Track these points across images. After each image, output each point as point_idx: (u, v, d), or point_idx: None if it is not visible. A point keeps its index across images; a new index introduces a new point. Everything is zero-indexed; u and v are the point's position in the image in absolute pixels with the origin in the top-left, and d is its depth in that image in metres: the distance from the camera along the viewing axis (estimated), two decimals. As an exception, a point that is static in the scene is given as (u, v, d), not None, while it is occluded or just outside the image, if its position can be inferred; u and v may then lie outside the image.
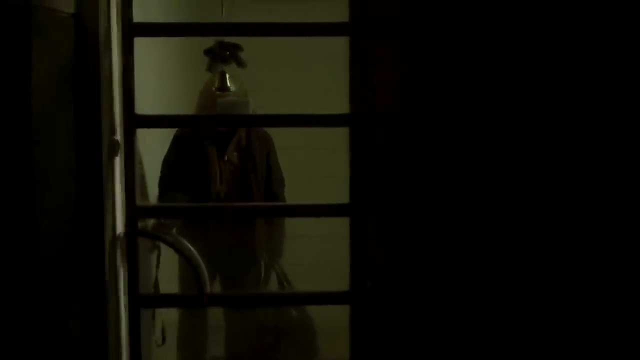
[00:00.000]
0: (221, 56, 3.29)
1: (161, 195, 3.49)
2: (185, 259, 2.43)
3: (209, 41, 2.99)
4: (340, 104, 2.37)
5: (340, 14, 2.24)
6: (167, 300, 2.72)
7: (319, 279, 3.37)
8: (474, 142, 2.01)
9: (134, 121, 2.29)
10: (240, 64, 3.39)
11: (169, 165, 3.55)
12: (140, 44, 2.31)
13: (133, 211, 2.29)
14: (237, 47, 3.30)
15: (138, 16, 2.26)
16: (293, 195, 3.65)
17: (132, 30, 2.25)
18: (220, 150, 3.50)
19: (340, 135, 2.33)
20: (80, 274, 2.15)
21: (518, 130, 2.00)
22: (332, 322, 2.78)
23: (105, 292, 2.16)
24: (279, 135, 3.51)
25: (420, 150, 2.03)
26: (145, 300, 2.44)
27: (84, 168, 2.10)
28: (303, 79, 4.68)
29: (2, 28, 1.82)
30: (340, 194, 2.29)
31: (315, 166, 4.67)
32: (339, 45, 2.41)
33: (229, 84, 3.37)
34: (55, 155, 2.04)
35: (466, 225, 2.02)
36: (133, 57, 2.26)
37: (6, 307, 1.91)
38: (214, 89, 3.41)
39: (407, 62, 2.05)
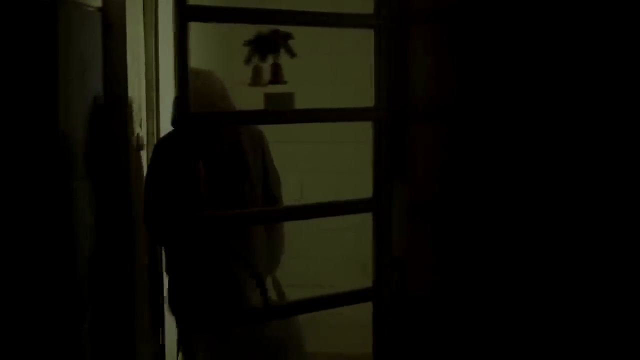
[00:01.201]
0: (275, 46, 3.13)
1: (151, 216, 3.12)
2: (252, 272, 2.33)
3: (240, 34, 2.85)
4: (353, 97, 2.29)
5: (368, 6, 2.16)
6: (225, 321, 2.42)
7: (347, 273, 3.28)
8: (546, 135, 1.86)
9: (189, 119, 2.07)
10: (293, 54, 3.21)
11: (155, 182, 3.08)
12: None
13: (193, 222, 2.06)
14: (289, 37, 3.11)
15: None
16: (318, 190, 3.54)
17: (187, 13, 2.00)
18: (207, 157, 3.05)
19: (363, 129, 2.26)
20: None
21: (595, 125, 1.79)
22: (354, 318, 2.70)
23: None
24: (300, 129, 3.29)
25: (487, 144, 1.91)
26: (201, 325, 2.16)
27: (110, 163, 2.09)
28: (327, 70, 4.54)
29: (30, 21, 1.85)
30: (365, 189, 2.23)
31: (340, 160, 4.53)
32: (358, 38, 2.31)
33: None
34: (81, 150, 2.04)
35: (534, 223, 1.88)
36: (187, 44, 2.00)
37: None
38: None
39: (465, 54, 1.95)
